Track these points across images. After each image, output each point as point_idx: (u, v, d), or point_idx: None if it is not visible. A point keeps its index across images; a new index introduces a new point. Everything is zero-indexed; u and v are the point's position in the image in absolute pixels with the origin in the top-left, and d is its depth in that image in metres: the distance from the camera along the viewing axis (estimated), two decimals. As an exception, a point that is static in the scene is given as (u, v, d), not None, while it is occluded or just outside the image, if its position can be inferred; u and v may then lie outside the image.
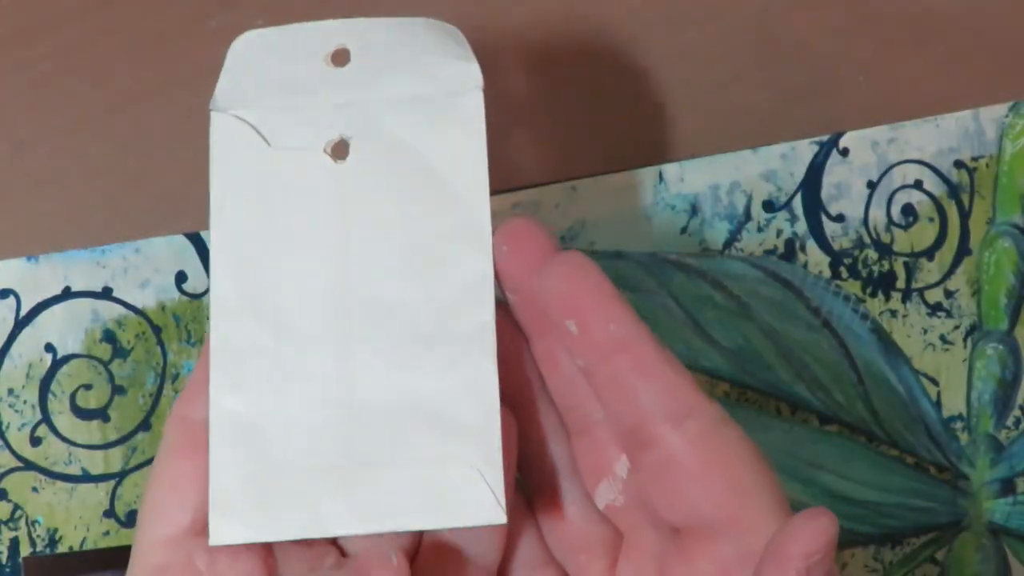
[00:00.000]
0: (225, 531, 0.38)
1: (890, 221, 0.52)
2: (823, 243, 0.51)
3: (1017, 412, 0.52)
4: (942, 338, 0.52)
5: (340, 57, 0.41)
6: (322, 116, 0.41)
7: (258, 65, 0.41)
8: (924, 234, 0.52)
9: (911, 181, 0.52)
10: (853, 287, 0.51)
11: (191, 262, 0.49)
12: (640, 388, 0.37)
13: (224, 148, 0.40)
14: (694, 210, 0.51)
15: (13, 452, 0.48)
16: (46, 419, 0.49)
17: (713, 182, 0.51)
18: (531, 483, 0.42)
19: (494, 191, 0.50)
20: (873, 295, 0.51)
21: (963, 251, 0.52)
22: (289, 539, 0.38)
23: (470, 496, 0.38)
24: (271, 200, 0.40)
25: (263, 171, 0.40)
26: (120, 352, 0.49)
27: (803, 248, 0.51)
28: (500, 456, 0.38)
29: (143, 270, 0.49)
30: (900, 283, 0.51)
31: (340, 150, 0.41)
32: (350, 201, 0.40)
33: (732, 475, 0.37)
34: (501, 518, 0.38)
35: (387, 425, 0.39)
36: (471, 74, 0.41)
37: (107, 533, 0.48)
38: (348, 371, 0.39)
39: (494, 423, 0.38)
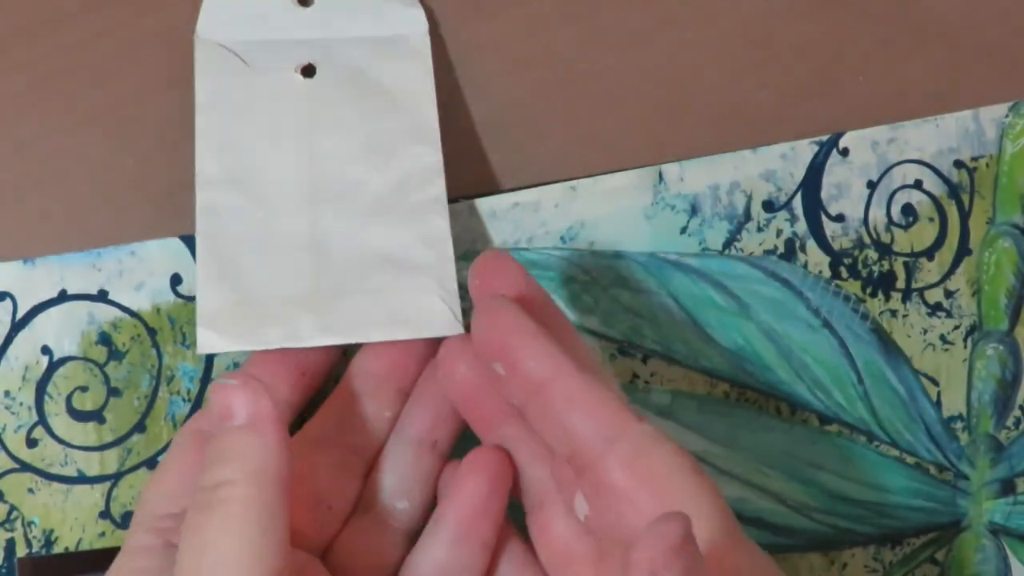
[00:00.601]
0: (211, 342, 0.44)
1: (890, 221, 0.52)
2: (823, 243, 0.51)
3: (1017, 412, 0.52)
4: (942, 338, 0.52)
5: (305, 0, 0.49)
6: (292, 47, 0.48)
7: (233, 4, 0.49)
8: (924, 234, 0.52)
9: (911, 181, 0.52)
10: (853, 287, 0.51)
11: (186, 265, 0.49)
12: (567, 418, 0.39)
13: (207, 67, 0.47)
14: (694, 210, 0.51)
15: (9, 454, 0.48)
16: (42, 421, 0.48)
17: (713, 182, 0.51)
18: (526, 504, 0.44)
19: (494, 191, 0.50)
20: (873, 295, 0.51)
21: (963, 251, 0.52)
22: (268, 348, 0.44)
23: (430, 313, 0.44)
24: (249, 104, 0.47)
25: (241, 83, 0.47)
26: (115, 354, 0.49)
27: (803, 248, 0.51)
28: (456, 287, 0.45)
29: (138, 273, 0.49)
30: (900, 283, 0.52)
31: (308, 72, 0.48)
32: (317, 107, 0.47)
33: (663, 492, 0.38)
34: (458, 329, 0.44)
35: (353, 266, 0.45)
36: (418, 18, 0.49)
37: (103, 534, 0.48)
38: (317, 229, 0.46)
39: (449, 263, 0.45)
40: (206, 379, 0.49)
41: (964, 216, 0.52)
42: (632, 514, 0.38)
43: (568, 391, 0.39)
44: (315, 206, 0.46)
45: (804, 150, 0.52)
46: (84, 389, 0.49)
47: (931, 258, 0.52)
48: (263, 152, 0.47)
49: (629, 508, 0.38)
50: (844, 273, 0.51)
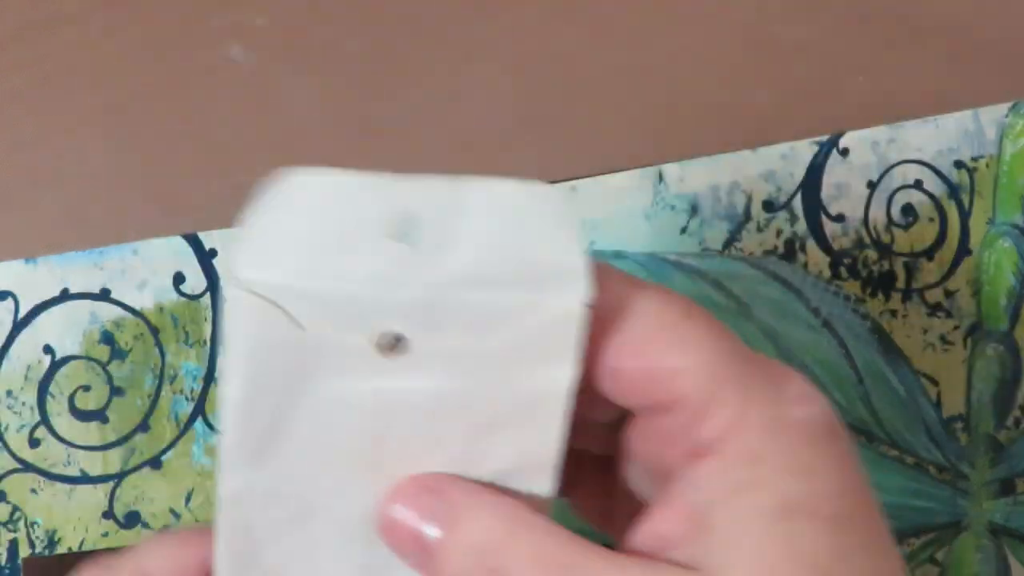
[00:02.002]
0: None
1: (890, 221, 0.52)
2: (823, 243, 0.51)
3: (1017, 412, 0.52)
4: (942, 338, 0.52)
5: (408, 226, 0.32)
6: (375, 301, 0.32)
7: (296, 222, 0.32)
8: (924, 234, 0.52)
9: (911, 181, 0.52)
10: (853, 287, 0.51)
11: (189, 263, 0.49)
12: None
13: (241, 324, 0.31)
14: (694, 210, 0.51)
15: (12, 454, 0.48)
16: (45, 420, 0.48)
17: (713, 182, 0.51)
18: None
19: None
20: (873, 295, 0.51)
21: (963, 251, 0.52)
22: None
23: None
24: (296, 388, 0.32)
25: (288, 356, 0.32)
26: (118, 353, 0.49)
27: (803, 248, 0.51)
28: None
29: (141, 271, 0.49)
30: (900, 283, 0.52)
31: (392, 347, 0.32)
32: (397, 407, 0.33)
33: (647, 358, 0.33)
34: None
35: None
36: (575, 286, 0.31)
37: (106, 534, 0.48)
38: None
39: None
40: (209, 377, 0.49)
41: (964, 216, 0.52)
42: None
43: None
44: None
45: (804, 150, 0.52)
46: (87, 388, 0.49)
47: (931, 258, 0.52)
48: (313, 462, 0.33)
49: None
50: (844, 273, 0.51)
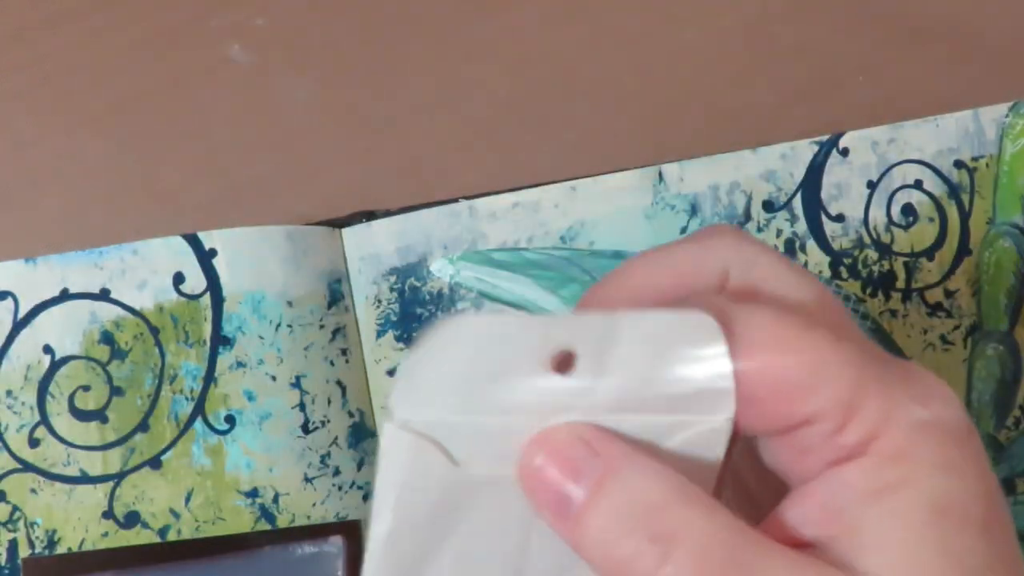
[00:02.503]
0: None
1: (890, 221, 0.52)
2: (823, 243, 0.51)
3: (1017, 412, 0.52)
4: (942, 338, 0.52)
5: (564, 359, 0.31)
6: (531, 431, 0.32)
7: (456, 361, 0.31)
8: (924, 234, 0.52)
9: (911, 181, 0.52)
10: (853, 287, 0.51)
11: (188, 263, 0.49)
12: None
13: (400, 467, 0.32)
14: (694, 210, 0.51)
15: (12, 454, 0.48)
16: (44, 420, 0.48)
17: (713, 182, 0.51)
18: None
19: (494, 191, 0.50)
20: (873, 295, 0.51)
21: (963, 251, 0.52)
22: None
23: None
24: (447, 532, 0.32)
25: (444, 498, 0.32)
26: (118, 353, 0.49)
27: (803, 248, 0.51)
28: None
29: (140, 271, 0.49)
30: (900, 283, 0.51)
31: None
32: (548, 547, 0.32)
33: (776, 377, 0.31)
34: None
35: None
36: (724, 403, 0.31)
37: (106, 534, 0.48)
38: None
39: None
40: (209, 377, 0.49)
41: (964, 216, 0.52)
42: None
43: None
44: None
45: (804, 150, 0.51)
46: (86, 388, 0.49)
47: (931, 258, 0.52)
48: None
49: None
50: (844, 273, 0.51)
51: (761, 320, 0.31)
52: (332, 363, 0.49)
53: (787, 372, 0.30)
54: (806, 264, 0.51)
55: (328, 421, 0.49)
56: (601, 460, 0.31)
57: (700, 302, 0.31)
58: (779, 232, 0.51)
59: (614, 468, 0.31)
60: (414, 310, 0.50)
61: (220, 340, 0.49)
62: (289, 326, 0.49)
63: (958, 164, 0.52)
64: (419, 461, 0.31)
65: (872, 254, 0.52)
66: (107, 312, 0.49)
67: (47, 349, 0.49)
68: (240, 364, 0.49)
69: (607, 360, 0.31)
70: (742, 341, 0.30)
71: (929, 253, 0.52)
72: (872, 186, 0.52)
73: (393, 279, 0.50)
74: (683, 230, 0.51)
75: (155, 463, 0.49)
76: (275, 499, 0.48)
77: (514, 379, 0.31)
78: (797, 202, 0.51)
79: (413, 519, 0.32)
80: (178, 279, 0.49)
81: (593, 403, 0.31)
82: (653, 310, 0.31)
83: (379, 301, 0.50)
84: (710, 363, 0.31)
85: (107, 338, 0.49)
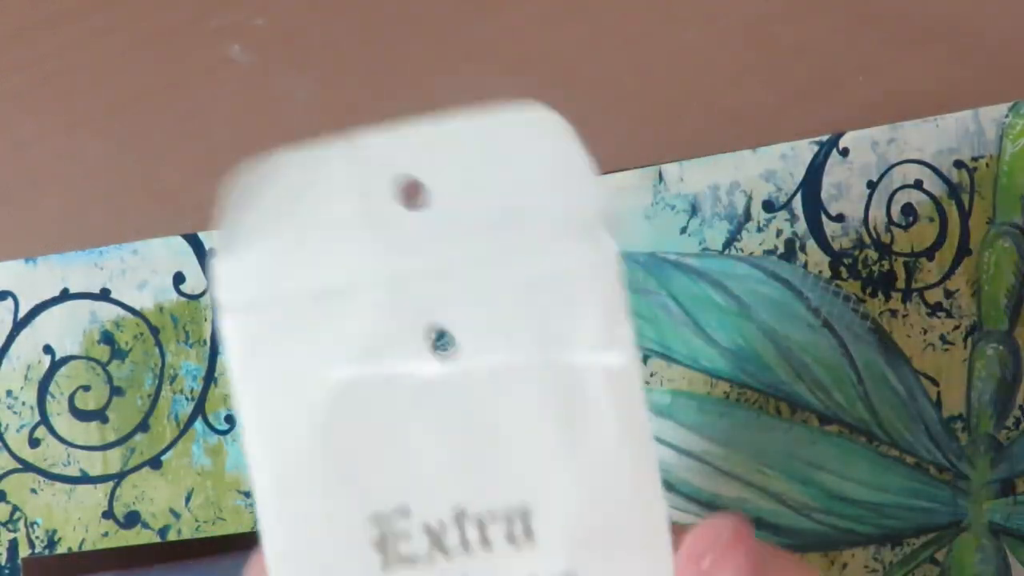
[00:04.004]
0: None
1: (890, 221, 0.52)
2: (823, 243, 0.51)
3: (1017, 412, 0.52)
4: (942, 338, 0.52)
5: (413, 192, 0.29)
6: (405, 292, 0.28)
7: (274, 219, 0.29)
8: (924, 234, 0.52)
9: (911, 181, 0.52)
10: (853, 287, 0.51)
11: (189, 263, 0.49)
12: None
13: (257, 375, 0.29)
14: (694, 210, 0.51)
15: (12, 454, 0.48)
16: (44, 420, 0.48)
17: (713, 182, 0.51)
18: None
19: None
20: (873, 295, 0.51)
21: (963, 251, 0.52)
22: None
23: None
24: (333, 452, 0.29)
25: (327, 395, 0.29)
26: (118, 353, 0.49)
27: (803, 248, 0.51)
28: None
29: (141, 271, 0.49)
30: (900, 283, 0.51)
31: (442, 344, 0.29)
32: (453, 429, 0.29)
33: None
34: None
35: None
36: (595, 209, 0.29)
37: (106, 534, 0.48)
38: None
39: None
40: (209, 377, 0.49)
41: (964, 216, 0.52)
42: None
43: None
44: None
45: (804, 150, 0.52)
46: (87, 388, 0.49)
47: (931, 258, 0.52)
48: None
49: None
50: (844, 273, 0.51)
51: None
52: (332, 363, 0.49)
53: None
54: (806, 264, 0.51)
55: (328, 421, 0.49)
56: None
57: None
58: (779, 232, 0.51)
59: None
60: (414, 310, 0.50)
61: (221, 340, 0.49)
62: (289, 326, 0.49)
63: (958, 164, 0.52)
64: (270, 349, 0.29)
65: (872, 254, 0.51)
66: (107, 312, 0.49)
67: (47, 349, 0.49)
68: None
69: (457, 185, 0.29)
70: None
71: (929, 253, 0.52)
72: (872, 186, 0.52)
73: (393, 279, 0.50)
74: (683, 230, 0.51)
75: (155, 463, 0.49)
76: (275, 499, 0.48)
77: (358, 226, 0.28)
78: (797, 202, 0.51)
79: (280, 424, 0.29)
80: (178, 279, 0.49)
81: (461, 261, 0.28)
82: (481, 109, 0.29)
83: (379, 301, 0.50)
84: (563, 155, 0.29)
85: (107, 338, 0.49)
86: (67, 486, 0.48)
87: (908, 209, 0.52)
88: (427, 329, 0.28)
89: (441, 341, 0.29)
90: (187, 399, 0.49)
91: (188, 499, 0.48)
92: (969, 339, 0.52)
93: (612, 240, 0.29)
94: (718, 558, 0.28)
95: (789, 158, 0.51)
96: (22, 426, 0.48)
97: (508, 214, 0.28)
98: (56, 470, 0.48)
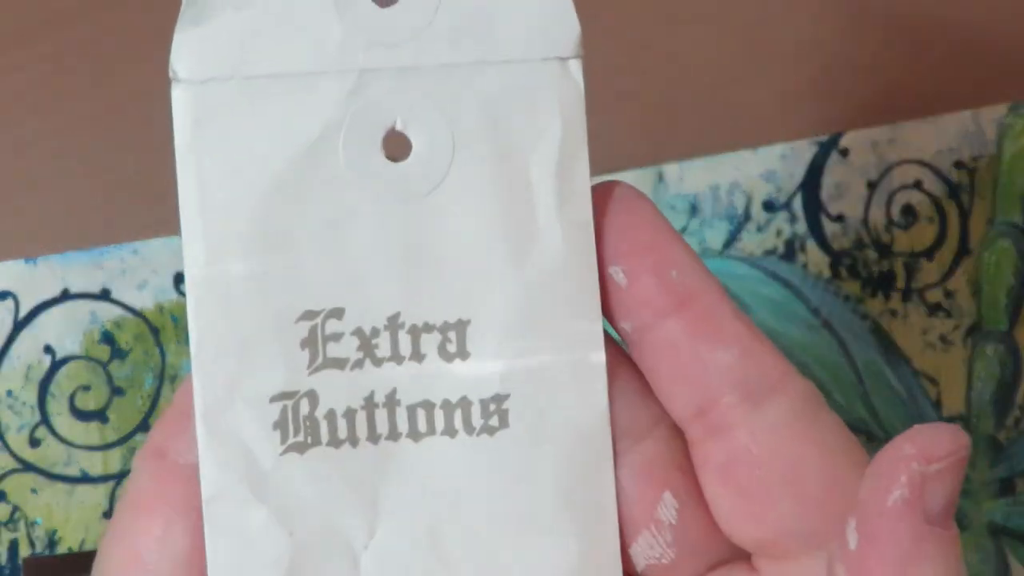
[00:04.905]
0: None
1: (890, 221, 0.52)
2: (823, 243, 0.51)
3: (1017, 412, 0.52)
4: (942, 338, 0.52)
5: None
6: (367, 87, 0.28)
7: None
8: (924, 234, 0.52)
9: (911, 181, 0.52)
10: (853, 287, 0.51)
11: (189, 263, 0.49)
12: (707, 357, 0.28)
13: (202, 153, 0.28)
14: (694, 210, 0.51)
15: (12, 454, 0.48)
16: (45, 420, 0.48)
17: (713, 182, 0.51)
18: None
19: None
20: (873, 295, 0.51)
21: (963, 251, 0.52)
22: None
23: None
24: (284, 231, 0.28)
25: (272, 183, 0.28)
26: (118, 353, 0.49)
27: (803, 248, 0.51)
28: None
29: (141, 271, 0.49)
30: (900, 283, 0.51)
31: (397, 146, 0.28)
32: (413, 232, 0.28)
33: (832, 473, 0.28)
34: None
35: None
36: (566, 30, 0.29)
37: (106, 534, 0.48)
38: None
39: None
40: (209, 377, 0.49)
41: (964, 216, 0.52)
42: (785, 501, 0.27)
43: (713, 320, 0.28)
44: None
45: (804, 150, 0.52)
46: (87, 388, 0.49)
47: (931, 258, 0.52)
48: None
49: (780, 491, 0.28)
50: (844, 273, 0.51)
51: None
52: (332, 363, 0.49)
53: None
54: (806, 264, 0.51)
55: (328, 421, 0.49)
56: None
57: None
58: (779, 232, 0.51)
59: None
60: (414, 310, 0.50)
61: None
62: (289, 326, 0.49)
63: (958, 164, 0.52)
64: (227, 124, 0.28)
65: (872, 254, 0.51)
66: (107, 312, 0.49)
67: (47, 349, 0.49)
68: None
69: None
70: None
71: (929, 253, 0.52)
72: (872, 186, 0.52)
73: (393, 279, 0.50)
74: (683, 230, 0.51)
75: (155, 463, 0.49)
76: (275, 499, 0.48)
77: (327, 11, 0.28)
78: (797, 202, 0.51)
79: (229, 209, 0.28)
80: (178, 279, 0.49)
81: (429, 53, 0.28)
82: None
83: (379, 301, 0.50)
84: None
85: (107, 338, 0.49)
86: (67, 486, 0.48)
87: (908, 209, 0.52)
88: (383, 129, 0.28)
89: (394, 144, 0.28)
90: (187, 399, 0.49)
91: (188, 499, 0.49)
92: (969, 339, 0.52)
93: (579, 68, 0.29)
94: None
95: (789, 158, 0.51)
96: (22, 426, 0.48)
97: (477, 21, 0.28)
98: (56, 470, 0.48)
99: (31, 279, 0.49)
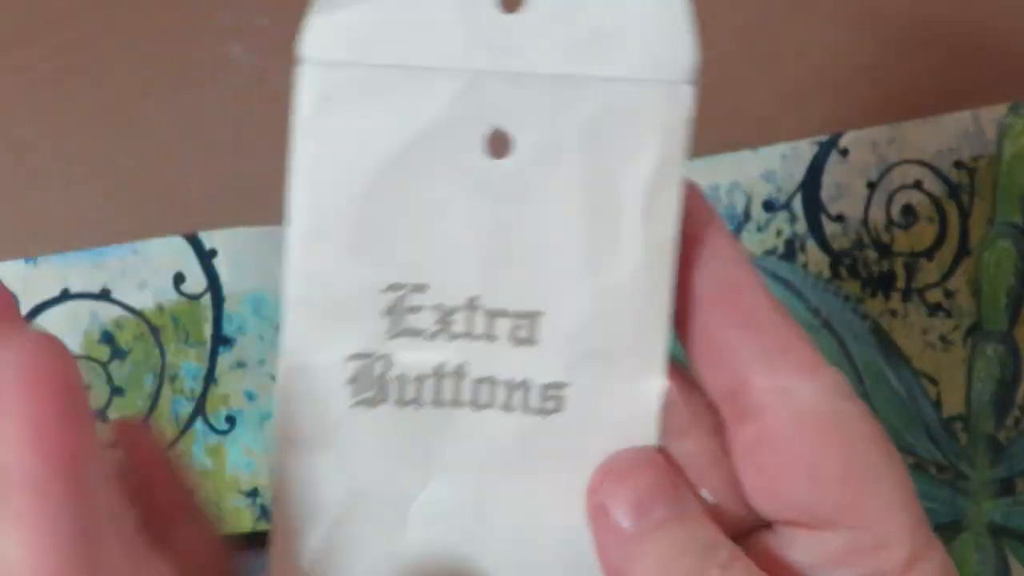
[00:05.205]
0: None
1: (890, 221, 0.52)
2: (823, 243, 0.51)
3: (1017, 412, 0.52)
4: (942, 338, 0.52)
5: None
6: (481, 88, 0.29)
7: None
8: (924, 234, 0.52)
9: (911, 181, 0.52)
10: (853, 287, 0.51)
11: (189, 263, 0.49)
12: (741, 343, 0.30)
13: (321, 129, 0.30)
14: (694, 210, 0.51)
15: (12, 453, 0.48)
16: (45, 420, 0.48)
17: (713, 182, 0.51)
18: None
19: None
20: (873, 295, 0.51)
21: (963, 251, 0.52)
22: None
23: None
24: (390, 216, 0.30)
25: (380, 165, 0.30)
26: (119, 353, 0.49)
27: (803, 248, 0.51)
28: None
29: (141, 271, 0.49)
30: (900, 283, 0.51)
31: (499, 145, 0.30)
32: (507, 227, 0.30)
33: (851, 459, 0.30)
34: None
35: None
36: (682, 55, 0.31)
37: (106, 534, 0.48)
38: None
39: None
40: (209, 377, 0.49)
41: (964, 216, 0.52)
42: (807, 481, 0.30)
43: (755, 308, 0.30)
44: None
45: (804, 150, 0.52)
46: (87, 388, 0.49)
47: (931, 258, 0.52)
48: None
49: (804, 472, 0.30)
50: (844, 273, 0.51)
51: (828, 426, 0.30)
52: (332, 363, 0.49)
53: (852, 478, 0.30)
54: (806, 264, 0.51)
55: (328, 421, 0.49)
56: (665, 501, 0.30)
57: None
58: (779, 232, 0.51)
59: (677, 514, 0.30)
60: (414, 310, 0.50)
61: (221, 340, 0.49)
62: (289, 326, 0.49)
63: (958, 164, 0.52)
64: (349, 110, 0.30)
65: (872, 254, 0.51)
66: (107, 312, 0.49)
67: (47, 349, 0.49)
68: (240, 364, 0.49)
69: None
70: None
71: (929, 253, 0.52)
72: (872, 186, 0.52)
73: (393, 279, 0.50)
74: (683, 230, 0.51)
75: (155, 463, 0.49)
76: (275, 499, 0.48)
77: (455, 16, 0.29)
78: (797, 202, 0.51)
79: (341, 193, 0.30)
80: (178, 279, 0.49)
81: (547, 60, 0.29)
82: None
83: (379, 301, 0.50)
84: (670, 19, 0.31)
85: (107, 338, 0.49)
86: (67, 486, 0.48)
87: (908, 209, 0.52)
88: (489, 128, 0.29)
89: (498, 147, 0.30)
90: (187, 399, 0.49)
91: (188, 499, 0.49)
92: (969, 339, 0.52)
93: (690, 94, 0.31)
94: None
95: (789, 158, 0.51)
96: (22, 426, 0.48)
97: (597, 36, 0.29)
98: (56, 470, 0.48)
99: (31, 279, 0.49)
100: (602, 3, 0.29)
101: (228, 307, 0.49)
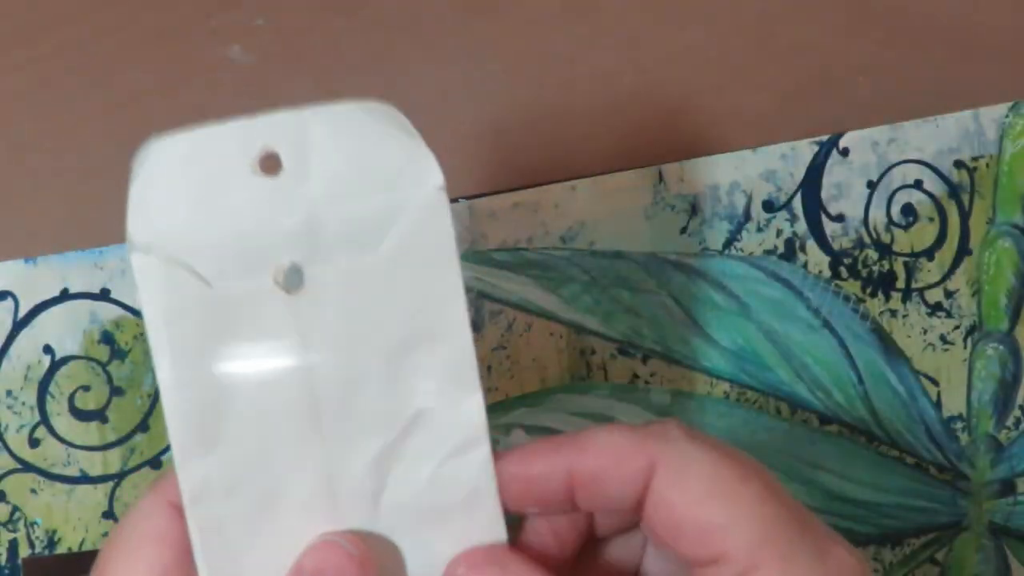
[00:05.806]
0: None
1: (890, 221, 0.52)
2: (823, 243, 0.51)
3: (1017, 412, 0.52)
4: (942, 338, 0.52)
5: (270, 163, 0.33)
6: (263, 240, 0.33)
7: (173, 185, 0.34)
8: (924, 234, 0.52)
9: (911, 181, 0.52)
10: (853, 287, 0.51)
11: (189, 263, 0.49)
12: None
13: (157, 296, 0.33)
14: (694, 210, 0.51)
15: (12, 454, 0.48)
16: (44, 420, 0.48)
17: (713, 182, 0.51)
18: None
19: (494, 191, 0.50)
20: (873, 295, 0.51)
21: (963, 251, 0.52)
22: None
23: None
24: (226, 364, 0.33)
25: (206, 316, 0.33)
26: (118, 353, 0.49)
27: (803, 248, 0.51)
28: None
29: (141, 271, 0.49)
30: (900, 283, 0.51)
31: (290, 280, 0.33)
32: (312, 344, 0.33)
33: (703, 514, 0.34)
34: None
35: None
36: (428, 173, 0.34)
37: (106, 534, 0.48)
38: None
39: None
40: (208, 377, 0.49)
41: (964, 216, 0.52)
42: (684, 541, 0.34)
43: None
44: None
45: (804, 150, 0.52)
46: (86, 388, 0.49)
47: (931, 258, 0.52)
48: (259, 436, 0.34)
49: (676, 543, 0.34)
50: (844, 273, 0.51)
51: (707, 459, 0.34)
52: (332, 363, 0.49)
53: (708, 510, 0.33)
54: (806, 264, 0.51)
55: (328, 421, 0.49)
56: None
57: (658, 434, 0.34)
58: (779, 232, 0.51)
59: None
60: (414, 310, 0.50)
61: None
62: (289, 326, 0.49)
63: (958, 164, 0.52)
64: (173, 285, 0.33)
65: (872, 254, 0.52)
66: (107, 312, 0.49)
67: (47, 349, 0.49)
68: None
69: (309, 155, 0.33)
70: (686, 476, 0.34)
71: (929, 253, 0.52)
72: (872, 186, 0.52)
73: (393, 279, 0.50)
74: (683, 230, 0.51)
75: (155, 463, 0.49)
76: (275, 499, 0.48)
77: (230, 187, 0.33)
78: (797, 202, 0.51)
79: (189, 355, 0.33)
80: (178, 279, 0.49)
81: (308, 198, 0.33)
82: (336, 103, 0.33)
83: (379, 301, 0.50)
84: (402, 142, 0.33)
85: (107, 338, 0.49)
86: (67, 486, 0.48)
87: (908, 209, 0.52)
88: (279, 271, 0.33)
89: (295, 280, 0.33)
90: (187, 399, 0.49)
91: (188, 499, 0.48)
92: (969, 339, 0.52)
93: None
94: None
95: (789, 158, 0.51)
96: (22, 426, 0.48)
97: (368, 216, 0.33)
98: (56, 470, 0.48)
99: (31, 279, 0.49)
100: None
101: (228, 307, 0.49)
